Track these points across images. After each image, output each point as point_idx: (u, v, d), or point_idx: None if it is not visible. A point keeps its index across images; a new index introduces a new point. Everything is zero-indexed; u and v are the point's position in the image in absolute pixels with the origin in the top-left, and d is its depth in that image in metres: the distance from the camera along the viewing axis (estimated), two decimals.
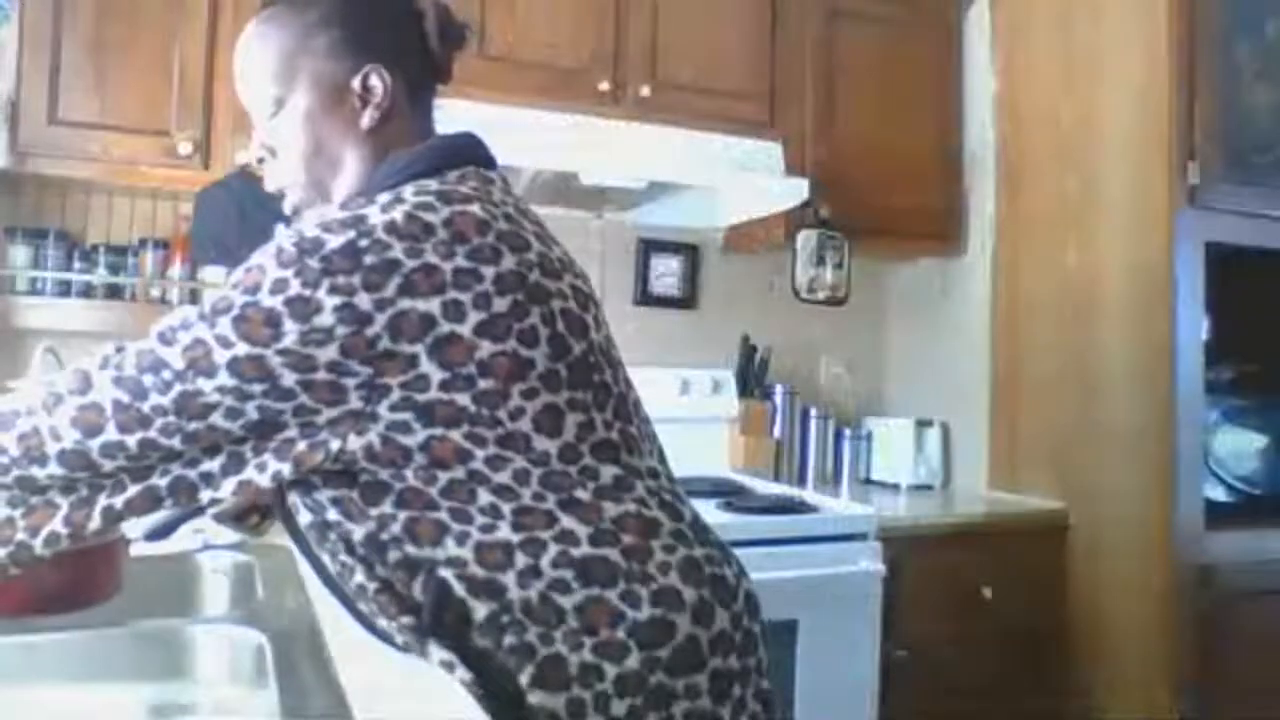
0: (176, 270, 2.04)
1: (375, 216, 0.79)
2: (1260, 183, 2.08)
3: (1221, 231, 2.03)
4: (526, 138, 1.95)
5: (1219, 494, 2.19)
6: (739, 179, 2.21)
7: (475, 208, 0.83)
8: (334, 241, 0.76)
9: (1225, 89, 2.06)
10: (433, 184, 0.85)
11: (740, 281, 2.63)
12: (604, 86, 2.13)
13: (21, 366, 1.85)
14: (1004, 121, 2.45)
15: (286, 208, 0.96)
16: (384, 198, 0.82)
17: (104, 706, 0.98)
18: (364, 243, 0.77)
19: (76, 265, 1.96)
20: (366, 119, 0.92)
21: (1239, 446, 2.25)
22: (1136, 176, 2.08)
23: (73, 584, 0.92)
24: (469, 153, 0.93)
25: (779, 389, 2.53)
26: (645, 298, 2.54)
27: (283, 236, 0.79)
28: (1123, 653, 2.05)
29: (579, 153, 2.02)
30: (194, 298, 2.07)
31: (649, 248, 2.54)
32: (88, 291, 1.97)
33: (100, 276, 1.97)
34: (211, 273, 2.06)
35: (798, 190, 2.20)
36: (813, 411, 2.56)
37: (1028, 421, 2.34)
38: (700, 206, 2.44)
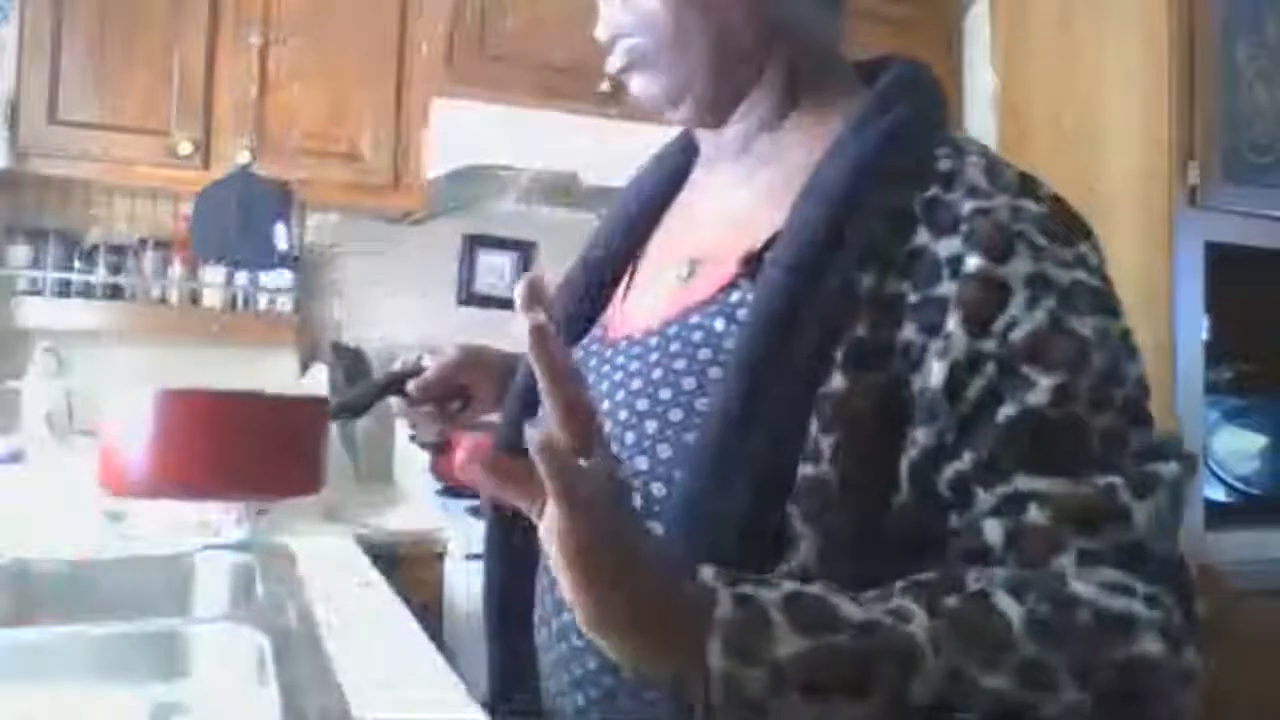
0: (176, 270, 2.04)
1: (1037, 189, 0.64)
2: (1260, 183, 2.08)
3: (1221, 231, 2.03)
4: (526, 138, 1.95)
5: (1219, 494, 2.18)
6: None
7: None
8: (1051, 212, 0.64)
9: (1225, 89, 2.06)
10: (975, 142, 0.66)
11: None
12: (604, 86, 2.12)
13: (21, 366, 1.85)
14: (1004, 121, 2.45)
15: (613, 65, 0.70)
16: (973, 158, 0.63)
17: (104, 706, 0.98)
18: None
19: (76, 265, 1.97)
20: None
21: (1239, 446, 2.25)
22: (1136, 176, 2.08)
23: (265, 470, 0.74)
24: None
25: None
26: None
27: (1019, 201, 0.61)
28: None
29: (579, 153, 2.02)
30: (194, 298, 2.07)
31: None
32: (88, 291, 1.97)
33: (100, 276, 1.98)
34: (212, 272, 2.07)
35: None
36: None
37: None
38: None
